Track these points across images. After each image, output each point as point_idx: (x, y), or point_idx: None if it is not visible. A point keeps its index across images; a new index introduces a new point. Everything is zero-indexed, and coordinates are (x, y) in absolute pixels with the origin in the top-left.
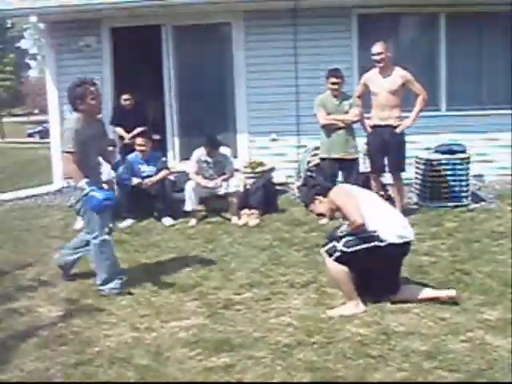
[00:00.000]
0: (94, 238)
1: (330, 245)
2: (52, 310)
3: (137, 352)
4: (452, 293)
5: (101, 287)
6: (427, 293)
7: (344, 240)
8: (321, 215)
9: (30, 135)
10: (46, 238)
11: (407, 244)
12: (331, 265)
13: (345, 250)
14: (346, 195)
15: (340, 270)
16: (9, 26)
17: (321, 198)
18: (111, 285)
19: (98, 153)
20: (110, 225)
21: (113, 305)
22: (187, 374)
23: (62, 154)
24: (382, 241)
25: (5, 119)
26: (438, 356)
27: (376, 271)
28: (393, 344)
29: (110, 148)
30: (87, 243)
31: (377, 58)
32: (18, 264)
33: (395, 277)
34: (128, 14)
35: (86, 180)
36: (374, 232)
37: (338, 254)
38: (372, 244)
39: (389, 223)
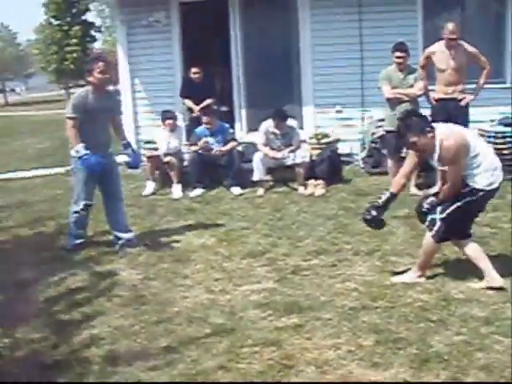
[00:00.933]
0: (74, 202)
1: (429, 219)
2: (132, 273)
3: (212, 312)
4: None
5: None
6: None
7: (440, 208)
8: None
9: None
10: None
11: (496, 189)
12: (428, 239)
13: (442, 216)
14: (461, 154)
15: (433, 247)
16: None
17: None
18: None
19: (105, 123)
20: (90, 202)
21: (188, 268)
22: (259, 333)
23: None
24: (474, 194)
25: (72, 90)
26: (496, 322)
27: (462, 219)
28: (452, 310)
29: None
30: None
31: (451, 42)
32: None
33: (471, 222)
34: None
35: (82, 144)
36: (468, 187)
37: (438, 224)
38: (465, 200)
39: (483, 170)
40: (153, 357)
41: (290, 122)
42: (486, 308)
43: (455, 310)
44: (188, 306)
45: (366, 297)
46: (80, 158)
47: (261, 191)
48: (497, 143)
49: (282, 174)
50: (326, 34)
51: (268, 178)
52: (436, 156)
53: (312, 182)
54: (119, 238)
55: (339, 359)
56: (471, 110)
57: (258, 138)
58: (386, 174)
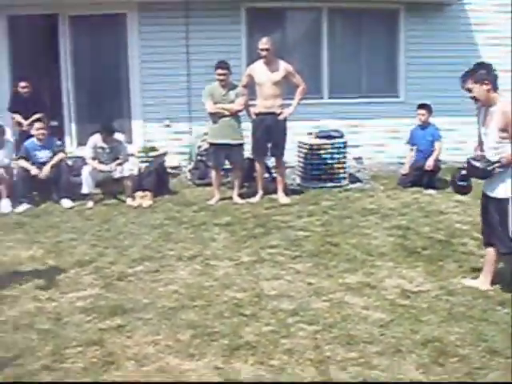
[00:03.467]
0: None
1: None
2: None
3: (39, 319)
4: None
5: None
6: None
7: None
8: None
9: None
10: None
11: None
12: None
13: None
14: None
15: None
16: None
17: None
18: None
19: None
20: None
21: (14, 280)
22: (84, 334)
23: None
24: None
25: None
26: (300, 312)
27: None
28: (263, 304)
29: None
30: None
31: (263, 53)
32: None
33: None
34: (26, 3)
35: None
36: None
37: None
38: None
39: None
40: None
41: (118, 136)
42: (294, 302)
43: (266, 304)
44: (15, 315)
45: (185, 297)
46: None
47: (90, 204)
48: (313, 154)
49: (110, 187)
50: (155, 50)
51: (97, 190)
52: (499, 118)
53: (139, 193)
54: None
55: (158, 353)
56: (290, 124)
57: (86, 151)
58: (211, 185)
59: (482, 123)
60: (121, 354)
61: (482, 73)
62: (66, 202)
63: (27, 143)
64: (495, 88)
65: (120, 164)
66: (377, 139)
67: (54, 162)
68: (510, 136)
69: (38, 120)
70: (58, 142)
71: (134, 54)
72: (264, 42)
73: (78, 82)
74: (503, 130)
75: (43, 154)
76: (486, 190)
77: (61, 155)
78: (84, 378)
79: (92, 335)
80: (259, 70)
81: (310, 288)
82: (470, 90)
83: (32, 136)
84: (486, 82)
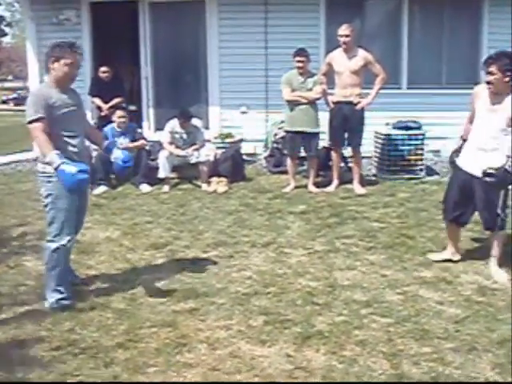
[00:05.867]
0: (52, 240)
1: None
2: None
3: (115, 299)
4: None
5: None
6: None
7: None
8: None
9: (3, 102)
10: (29, 201)
11: None
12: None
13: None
14: None
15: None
16: None
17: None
18: (53, 297)
19: (77, 126)
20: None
21: (92, 260)
22: (158, 316)
23: (29, 124)
24: None
25: None
26: (374, 304)
27: None
28: (337, 294)
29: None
30: None
31: (343, 39)
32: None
33: None
34: None
35: (56, 152)
36: None
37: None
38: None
39: None
40: (57, 339)
41: (195, 121)
42: (367, 293)
43: (339, 295)
44: (92, 293)
45: (258, 284)
46: (55, 169)
47: (166, 188)
48: (391, 145)
49: (186, 172)
50: (233, 37)
51: (173, 175)
52: (506, 107)
53: (215, 179)
54: None
55: (230, 338)
56: (368, 114)
57: (163, 136)
58: (286, 173)
59: (488, 110)
60: (193, 336)
61: (507, 63)
62: (145, 187)
63: (107, 129)
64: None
65: (197, 149)
66: (456, 131)
67: (135, 145)
68: None
69: (119, 108)
70: (139, 130)
71: (213, 41)
72: (344, 29)
73: (157, 68)
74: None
75: (122, 141)
76: (473, 170)
77: (141, 142)
78: (157, 358)
79: (166, 317)
80: (338, 58)
81: (383, 280)
82: (490, 74)
83: (111, 121)
84: (509, 72)
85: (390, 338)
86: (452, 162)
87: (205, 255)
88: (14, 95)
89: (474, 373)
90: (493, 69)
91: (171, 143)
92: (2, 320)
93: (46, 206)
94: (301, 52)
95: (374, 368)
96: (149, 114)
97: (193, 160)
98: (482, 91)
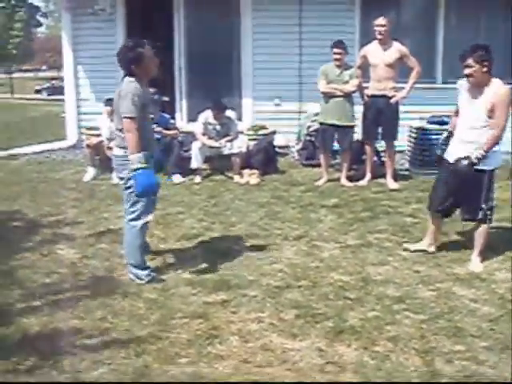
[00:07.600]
0: (135, 218)
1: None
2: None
3: (146, 288)
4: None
5: (130, 275)
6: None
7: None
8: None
9: (37, 91)
10: (63, 190)
11: None
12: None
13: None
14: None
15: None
16: None
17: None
18: (144, 271)
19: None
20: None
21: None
22: (189, 307)
23: (124, 119)
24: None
25: (14, 75)
26: (406, 300)
27: None
28: (369, 289)
29: None
30: None
31: (379, 29)
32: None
33: None
34: None
35: (141, 154)
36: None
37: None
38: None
39: None
40: (89, 328)
41: (228, 113)
42: (400, 288)
43: (372, 290)
44: (124, 283)
45: (290, 277)
46: (137, 169)
47: (198, 179)
48: (424, 139)
49: (219, 163)
50: (267, 29)
51: (205, 166)
52: (489, 97)
53: (247, 171)
54: None
55: (261, 330)
56: (402, 108)
57: (196, 127)
58: (319, 166)
59: (469, 102)
60: (225, 328)
61: (483, 54)
62: (177, 177)
63: None
64: (490, 70)
65: (230, 141)
66: None
67: (170, 132)
68: (496, 116)
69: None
70: (172, 121)
71: (247, 33)
72: (381, 20)
73: (191, 59)
74: (490, 110)
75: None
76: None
77: (174, 132)
78: (188, 349)
79: (197, 308)
80: (373, 50)
81: (416, 276)
82: (468, 67)
83: None
84: (486, 63)
85: (423, 335)
86: (438, 156)
87: (236, 247)
88: (48, 85)
89: (508, 372)
90: (470, 61)
91: (204, 134)
92: (35, 307)
93: (127, 187)
94: (338, 44)
95: (407, 365)
96: (182, 105)
97: (225, 151)
98: (463, 85)
